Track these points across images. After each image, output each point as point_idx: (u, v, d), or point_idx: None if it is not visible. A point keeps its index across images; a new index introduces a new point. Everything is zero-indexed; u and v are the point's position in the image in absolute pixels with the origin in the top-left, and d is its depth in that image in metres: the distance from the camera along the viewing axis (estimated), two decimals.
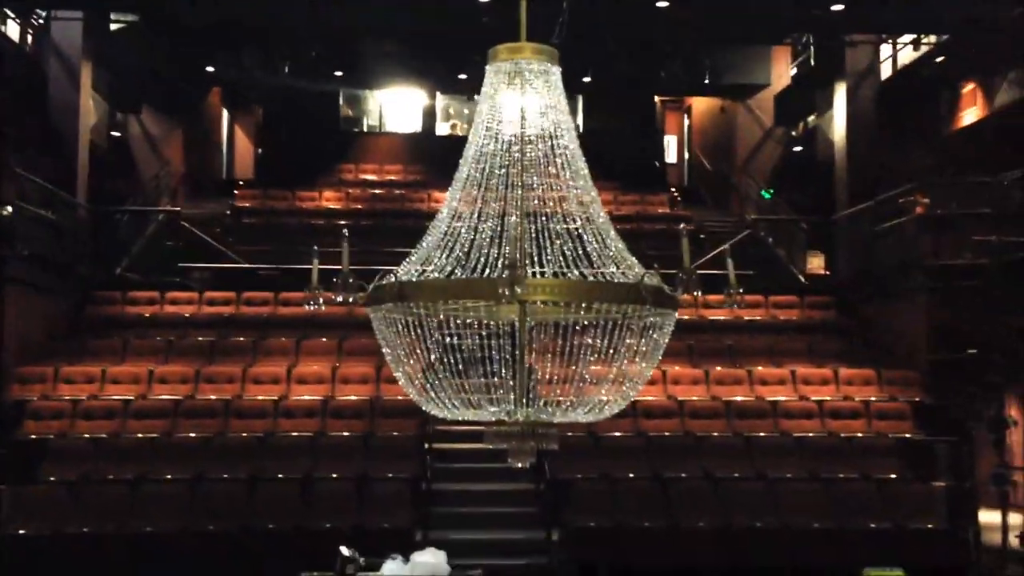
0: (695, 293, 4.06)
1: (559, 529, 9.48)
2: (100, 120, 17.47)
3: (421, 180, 21.17)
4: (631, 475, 10.19)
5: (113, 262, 16.34)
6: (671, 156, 24.62)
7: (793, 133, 20.57)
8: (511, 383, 4.64)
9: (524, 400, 4.60)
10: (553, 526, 9.58)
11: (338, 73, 20.34)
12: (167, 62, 18.67)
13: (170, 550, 9.20)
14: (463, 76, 20.35)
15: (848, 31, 14.90)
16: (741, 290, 4.29)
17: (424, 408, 4.72)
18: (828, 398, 12.04)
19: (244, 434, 10.99)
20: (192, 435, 10.91)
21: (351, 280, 4.32)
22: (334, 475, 10.12)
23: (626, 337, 4.36)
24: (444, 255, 4.65)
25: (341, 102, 23.39)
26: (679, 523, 9.49)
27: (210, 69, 20.16)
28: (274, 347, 13.28)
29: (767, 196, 19.01)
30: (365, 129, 23.51)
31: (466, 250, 4.63)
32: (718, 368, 12.73)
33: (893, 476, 10.47)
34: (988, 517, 11.10)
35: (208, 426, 11.16)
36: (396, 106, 23.39)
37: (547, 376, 4.69)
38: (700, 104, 23.53)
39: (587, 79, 20.41)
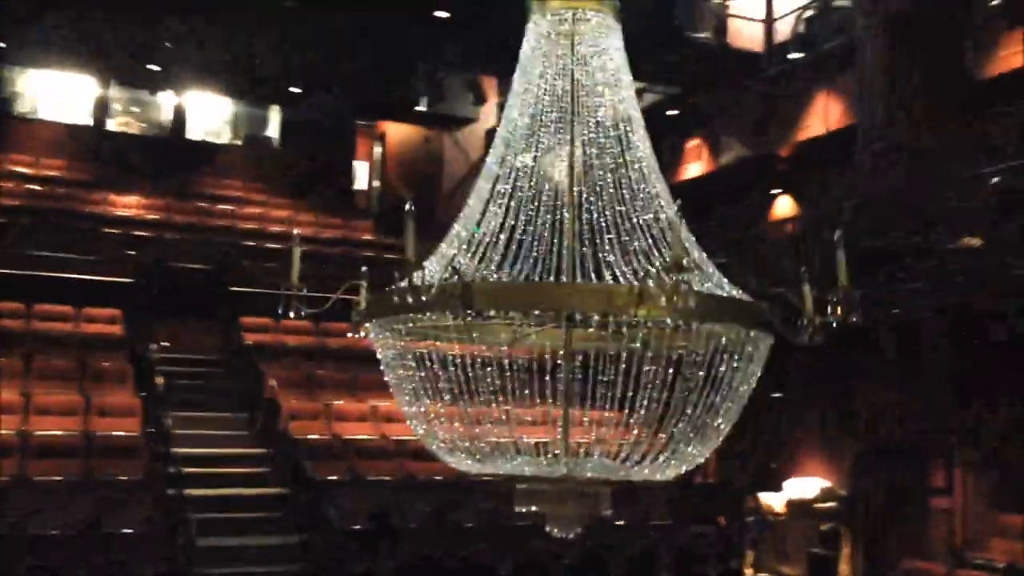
0: (849, 315, 3.27)
1: None
2: None
3: (92, 180, 18.36)
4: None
5: None
6: (362, 182, 23.72)
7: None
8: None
9: (569, 451, 3.57)
10: None
11: None
12: None
13: None
14: (155, 67, 18.00)
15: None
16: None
17: (442, 458, 3.53)
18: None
19: None
20: None
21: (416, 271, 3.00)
22: (53, 531, 7.95)
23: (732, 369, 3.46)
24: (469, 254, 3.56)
25: None
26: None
27: None
28: None
29: (476, 231, 18.66)
30: (15, 113, 19.99)
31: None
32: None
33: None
34: None
35: None
36: (58, 91, 20.18)
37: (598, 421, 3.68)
38: (398, 131, 22.86)
39: (295, 89, 19.04)
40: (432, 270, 3.29)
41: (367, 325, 3.43)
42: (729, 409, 3.41)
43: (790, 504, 13.32)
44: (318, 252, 15.28)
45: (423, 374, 3.44)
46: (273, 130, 21.80)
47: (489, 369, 3.47)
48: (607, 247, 3.34)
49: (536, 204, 3.59)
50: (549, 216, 3.47)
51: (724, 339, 3.30)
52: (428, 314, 3.15)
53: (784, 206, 15.08)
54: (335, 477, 9.55)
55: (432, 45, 16.52)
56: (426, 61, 18.31)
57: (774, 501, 13.53)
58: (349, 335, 3.54)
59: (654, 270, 3.09)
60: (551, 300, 3.15)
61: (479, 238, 3.52)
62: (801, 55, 12.87)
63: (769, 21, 13.90)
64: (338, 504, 8.64)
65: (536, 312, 3.24)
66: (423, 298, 3.04)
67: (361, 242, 18.54)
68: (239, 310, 13.46)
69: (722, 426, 3.46)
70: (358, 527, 8.77)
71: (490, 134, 19.76)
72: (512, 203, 3.49)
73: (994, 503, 11.00)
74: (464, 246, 3.48)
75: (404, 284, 3.02)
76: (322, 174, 20.31)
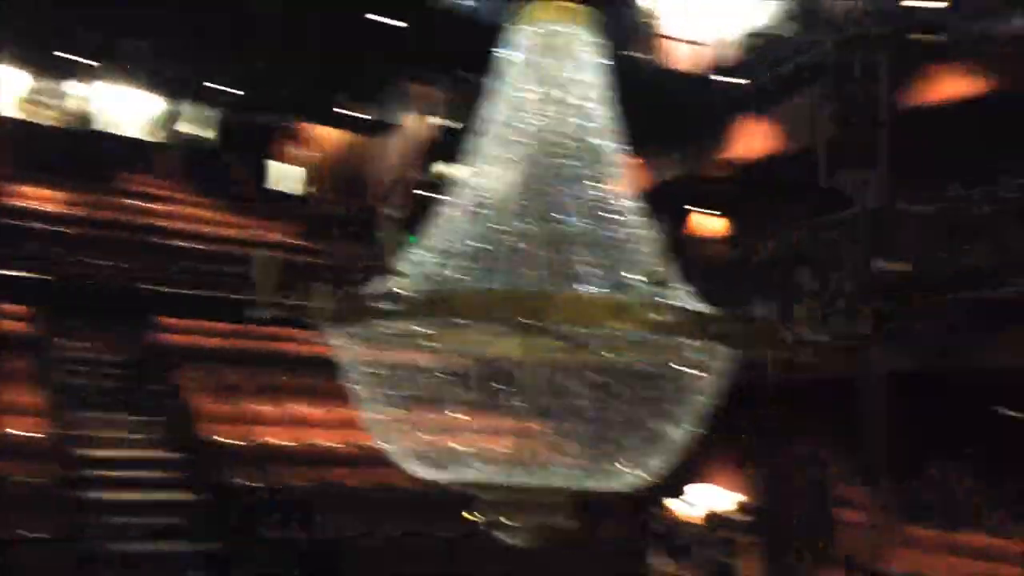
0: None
1: None
2: None
3: (8, 172, 17.65)
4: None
5: None
6: (293, 186, 23.40)
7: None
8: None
9: (533, 460, 3.56)
10: None
11: None
12: None
13: None
14: (79, 59, 17.41)
15: None
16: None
17: (402, 466, 3.49)
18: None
19: None
20: None
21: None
22: None
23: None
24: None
25: None
26: None
27: None
28: None
29: (414, 240, 18.49)
30: None
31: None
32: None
33: None
34: None
35: None
36: None
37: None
38: (331, 136, 22.62)
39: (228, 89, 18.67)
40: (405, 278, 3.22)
41: (329, 330, 3.37)
42: (690, 421, 3.43)
43: (710, 516, 13.33)
44: (245, 255, 14.92)
45: (386, 381, 3.38)
46: (204, 130, 21.33)
47: (454, 377, 3.43)
48: (579, 259, 3.30)
49: (505, 215, 3.54)
50: (520, 226, 3.41)
51: (692, 353, 3.29)
52: (399, 321, 3.09)
53: (716, 225, 15.33)
54: (252, 484, 9.26)
55: (370, 52, 16.38)
56: (364, 67, 18.16)
57: (685, 511, 13.46)
58: (321, 340, 3.45)
59: (636, 282, 3.07)
60: (528, 309, 3.09)
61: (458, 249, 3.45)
62: (739, 80, 13.10)
63: (707, 45, 14.12)
64: (255, 511, 8.40)
65: (512, 321, 3.18)
66: (402, 306, 3.00)
67: (289, 246, 18.21)
68: (155, 310, 13.10)
69: (682, 437, 3.46)
70: (277, 536, 8.57)
71: (425, 143, 19.68)
72: (482, 213, 3.44)
73: (900, 514, 11.19)
74: (434, 256, 3.41)
75: (382, 290, 2.97)
76: (252, 176, 19.96)
